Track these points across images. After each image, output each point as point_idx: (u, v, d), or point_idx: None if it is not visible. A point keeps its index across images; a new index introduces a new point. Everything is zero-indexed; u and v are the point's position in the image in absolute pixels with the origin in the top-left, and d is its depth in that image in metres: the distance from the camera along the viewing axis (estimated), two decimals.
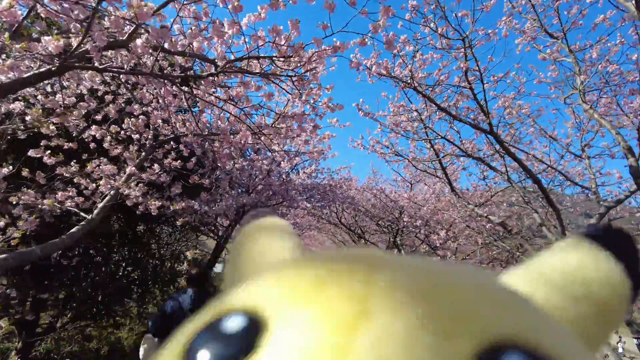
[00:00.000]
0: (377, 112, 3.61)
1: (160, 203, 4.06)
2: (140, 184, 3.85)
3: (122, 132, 2.87)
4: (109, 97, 2.86)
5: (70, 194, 2.61)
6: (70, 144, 2.50)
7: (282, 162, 4.53)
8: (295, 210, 9.10)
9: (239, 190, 5.35)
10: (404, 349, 0.14)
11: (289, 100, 2.44)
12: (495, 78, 2.60)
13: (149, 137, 2.88)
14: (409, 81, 2.70)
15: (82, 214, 2.31)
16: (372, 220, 9.62)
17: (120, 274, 7.05)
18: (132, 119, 2.85)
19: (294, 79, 2.05)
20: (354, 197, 6.52)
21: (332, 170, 6.43)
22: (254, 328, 0.16)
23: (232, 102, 2.39)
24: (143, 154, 2.79)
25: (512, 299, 0.19)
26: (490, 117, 2.51)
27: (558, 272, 0.25)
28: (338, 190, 6.38)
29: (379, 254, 0.21)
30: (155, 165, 3.47)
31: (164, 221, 6.88)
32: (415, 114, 3.69)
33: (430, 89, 2.79)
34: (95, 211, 2.29)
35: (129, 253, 7.13)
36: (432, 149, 3.87)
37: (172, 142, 3.76)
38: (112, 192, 2.43)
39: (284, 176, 4.67)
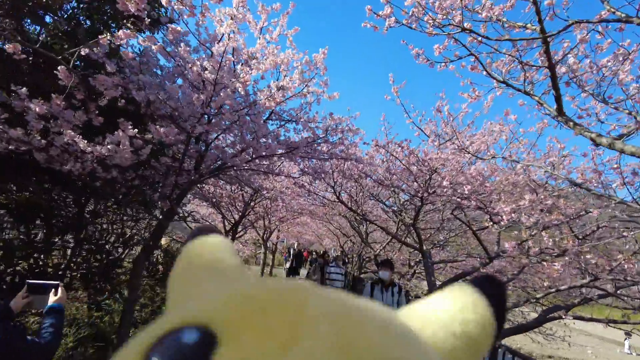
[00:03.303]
0: None
1: None
2: None
3: None
4: None
5: None
6: None
7: (237, 66, 2.46)
8: (277, 178, 7.03)
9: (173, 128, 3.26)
10: None
11: None
12: None
13: None
14: None
15: None
16: (378, 199, 7.63)
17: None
18: None
19: None
20: (360, 157, 4.46)
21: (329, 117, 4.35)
22: (206, 342, 0.19)
23: None
24: None
25: (403, 336, 0.23)
26: None
27: (445, 311, 0.30)
28: (337, 147, 4.33)
29: (309, 287, 0.25)
30: None
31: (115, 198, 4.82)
32: None
33: None
34: None
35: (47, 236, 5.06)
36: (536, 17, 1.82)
37: None
38: None
39: (241, 91, 2.55)
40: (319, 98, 4.30)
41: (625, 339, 19.88)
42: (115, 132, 2.23)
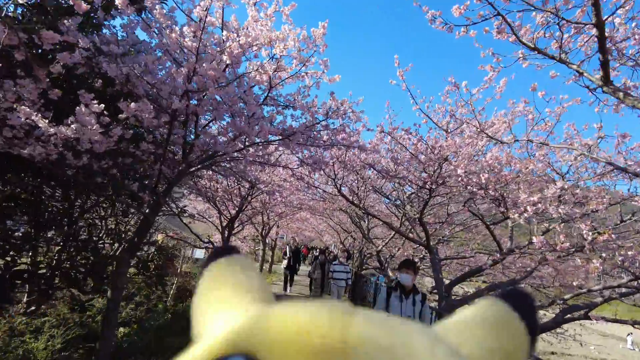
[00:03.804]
0: None
1: None
2: None
3: None
4: None
5: None
6: None
7: (223, 33, 2.08)
8: (275, 171, 6.66)
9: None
10: None
11: None
12: None
13: None
14: None
15: None
16: (381, 192, 7.29)
17: None
18: None
19: None
20: (363, 145, 4.11)
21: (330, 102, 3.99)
22: None
23: None
24: None
25: (451, 357, 0.22)
26: None
27: (479, 327, 0.30)
28: (339, 135, 3.98)
29: (347, 308, 0.24)
30: None
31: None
32: None
33: None
34: None
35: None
36: None
37: None
38: None
39: (227, 60, 2.16)
40: (319, 81, 3.93)
41: (628, 334, 19.78)
42: (77, 108, 1.88)
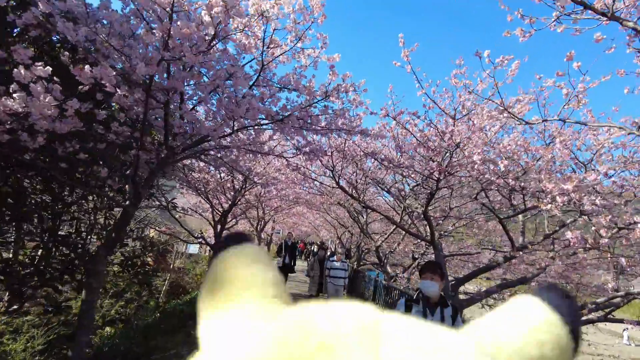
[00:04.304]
0: None
1: None
2: None
3: None
4: None
5: None
6: None
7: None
8: (269, 161, 6.29)
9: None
10: None
11: None
12: None
13: None
14: None
15: None
16: (382, 185, 6.95)
17: None
18: None
19: None
20: (366, 130, 3.73)
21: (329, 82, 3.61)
22: None
23: None
24: None
25: None
26: None
27: (516, 332, 0.27)
28: (338, 119, 3.62)
29: (374, 315, 0.22)
30: None
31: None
32: None
33: None
34: None
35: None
36: None
37: None
38: None
39: (207, 18, 1.74)
40: (316, 60, 3.55)
41: (624, 330, 19.87)
42: (15, 70, 1.49)
